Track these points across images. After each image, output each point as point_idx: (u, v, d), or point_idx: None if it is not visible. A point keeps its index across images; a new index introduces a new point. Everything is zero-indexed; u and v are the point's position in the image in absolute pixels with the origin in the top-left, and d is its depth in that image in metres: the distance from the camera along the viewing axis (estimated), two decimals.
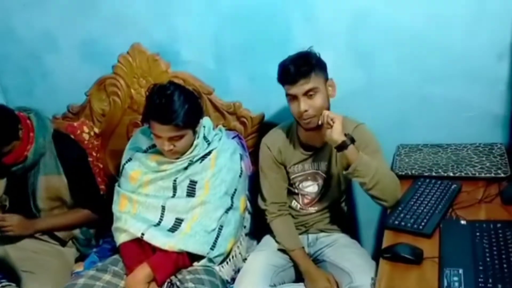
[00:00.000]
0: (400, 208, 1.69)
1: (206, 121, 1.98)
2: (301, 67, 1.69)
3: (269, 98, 2.14)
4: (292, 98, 1.74)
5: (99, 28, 2.28)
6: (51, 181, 2.10)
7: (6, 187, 2.14)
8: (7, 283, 2.09)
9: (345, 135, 1.66)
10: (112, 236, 1.98)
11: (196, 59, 2.21)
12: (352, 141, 1.66)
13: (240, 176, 1.96)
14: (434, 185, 1.80)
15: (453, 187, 1.79)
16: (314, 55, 1.74)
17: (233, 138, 2.12)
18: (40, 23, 2.35)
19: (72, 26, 2.31)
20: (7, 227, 2.01)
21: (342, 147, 1.64)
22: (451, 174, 1.86)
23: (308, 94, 1.70)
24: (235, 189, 1.94)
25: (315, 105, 1.72)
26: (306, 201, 1.97)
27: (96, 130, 2.40)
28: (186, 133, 1.82)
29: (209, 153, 1.92)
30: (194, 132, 1.87)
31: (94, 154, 2.38)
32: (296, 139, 1.91)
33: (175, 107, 1.76)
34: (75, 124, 2.35)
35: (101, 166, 2.43)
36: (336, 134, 1.64)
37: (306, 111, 1.71)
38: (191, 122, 1.82)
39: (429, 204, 1.69)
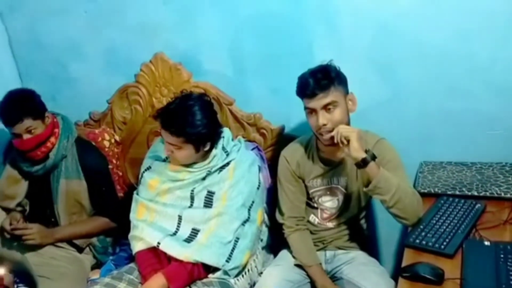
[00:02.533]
0: (421, 227, 1.65)
1: (225, 132, 1.98)
2: (320, 81, 1.67)
3: (290, 110, 2.13)
4: (310, 111, 1.72)
5: (123, 37, 2.30)
6: (71, 185, 2.12)
7: (27, 191, 2.17)
8: None
9: (366, 151, 1.62)
10: (129, 244, 1.99)
11: (218, 70, 2.21)
12: (373, 157, 1.61)
13: (258, 188, 1.95)
14: (457, 204, 1.76)
15: (477, 206, 1.74)
16: (334, 68, 1.72)
17: (252, 149, 2.10)
18: (65, 31, 2.39)
19: (97, 35, 2.34)
20: (28, 235, 2.03)
21: (362, 164, 1.61)
22: (476, 193, 1.82)
23: (326, 107, 1.68)
24: (253, 201, 1.92)
25: (334, 119, 1.69)
26: (325, 216, 1.94)
27: (117, 137, 2.42)
28: (184, 147, 1.82)
29: (228, 164, 1.91)
30: (197, 151, 1.85)
31: (114, 161, 2.39)
32: (315, 153, 1.88)
33: (180, 117, 1.78)
34: (97, 131, 2.37)
35: (121, 173, 2.45)
36: (354, 152, 1.60)
37: (324, 125, 1.68)
38: (193, 139, 1.81)
39: (452, 223, 1.65)
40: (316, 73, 1.69)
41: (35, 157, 2.06)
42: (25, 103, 2.00)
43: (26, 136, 2.00)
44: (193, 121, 1.78)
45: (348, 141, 1.61)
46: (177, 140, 1.79)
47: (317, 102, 1.67)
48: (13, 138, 2.04)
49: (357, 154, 1.60)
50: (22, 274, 2.13)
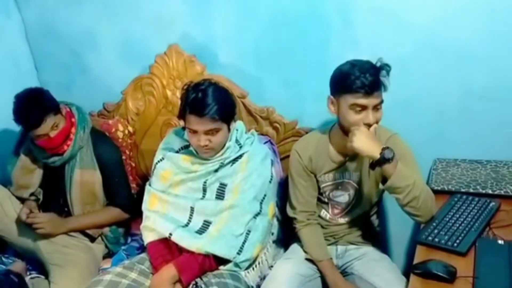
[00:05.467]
0: (434, 224, 1.64)
1: (239, 125, 1.98)
2: (377, 78, 1.63)
3: (304, 104, 2.13)
4: (358, 108, 1.65)
5: (139, 28, 2.31)
6: (85, 175, 2.14)
7: (41, 180, 2.19)
8: (36, 275, 2.14)
9: (383, 149, 1.58)
10: (141, 235, 2.00)
11: (232, 63, 2.21)
12: (388, 159, 1.57)
13: (270, 182, 1.95)
14: (471, 202, 1.74)
15: (491, 205, 1.73)
16: (385, 68, 1.66)
17: (265, 143, 2.10)
18: (81, 21, 2.40)
19: (112, 25, 2.36)
20: (38, 224, 2.05)
21: (377, 164, 1.58)
22: (490, 192, 1.80)
23: (376, 107, 1.65)
24: (265, 195, 1.92)
25: (379, 117, 1.67)
26: (336, 211, 1.94)
27: (130, 128, 2.43)
28: (222, 127, 1.82)
29: (240, 156, 1.91)
30: (228, 130, 1.87)
31: (127, 152, 2.40)
32: (327, 147, 1.87)
33: (210, 100, 1.77)
34: (110, 122, 2.38)
35: (133, 164, 2.46)
36: (364, 153, 1.60)
37: (371, 125, 1.65)
38: (227, 115, 1.82)
39: (465, 221, 1.64)
40: (371, 69, 1.63)
41: (60, 150, 2.08)
42: (41, 102, 1.98)
43: (53, 133, 2.01)
44: (220, 98, 1.79)
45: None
46: (214, 124, 1.78)
47: (373, 101, 1.63)
48: (35, 140, 2.04)
49: (370, 158, 1.58)
50: (34, 261, 2.16)
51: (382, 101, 1.66)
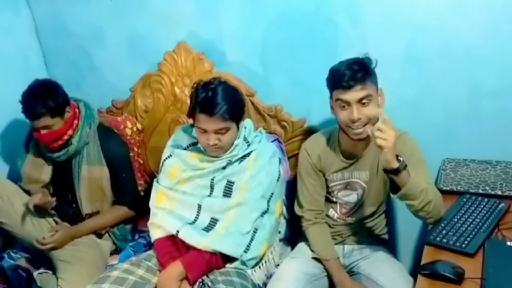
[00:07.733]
0: (442, 225, 1.63)
1: (247, 123, 1.98)
2: (357, 72, 1.62)
3: (312, 103, 2.12)
4: (343, 104, 1.66)
5: (147, 26, 2.32)
6: (93, 171, 2.14)
7: (51, 176, 2.20)
8: (44, 271, 2.15)
9: (398, 157, 1.55)
10: (148, 231, 2.01)
11: (241, 61, 2.21)
12: (405, 166, 1.54)
13: (277, 180, 1.95)
14: (480, 203, 1.73)
15: (500, 206, 1.71)
16: (371, 62, 1.67)
17: (272, 141, 2.10)
18: (90, 18, 2.42)
19: (122, 23, 2.36)
20: (47, 245, 2.05)
21: (393, 172, 1.54)
22: (499, 193, 1.78)
23: (362, 101, 1.64)
24: (272, 193, 1.92)
25: (369, 113, 1.65)
26: (344, 210, 1.93)
27: (139, 126, 2.44)
28: (231, 126, 1.82)
29: (248, 154, 1.91)
30: (238, 129, 1.87)
31: (135, 149, 2.41)
32: (337, 147, 1.87)
33: (220, 99, 1.77)
34: (119, 119, 2.39)
35: (141, 161, 2.47)
36: (386, 162, 1.52)
37: (359, 119, 1.64)
38: (236, 114, 1.82)
39: (474, 222, 1.62)
40: (353, 65, 1.64)
41: (52, 148, 2.10)
42: (45, 100, 1.99)
43: (43, 132, 2.04)
44: (229, 97, 1.80)
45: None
46: (224, 123, 1.79)
47: (353, 95, 1.63)
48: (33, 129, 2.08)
49: (389, 165, 1.53)
50: (42, 257, 2.17)
51: (368, 95, 1.63)
